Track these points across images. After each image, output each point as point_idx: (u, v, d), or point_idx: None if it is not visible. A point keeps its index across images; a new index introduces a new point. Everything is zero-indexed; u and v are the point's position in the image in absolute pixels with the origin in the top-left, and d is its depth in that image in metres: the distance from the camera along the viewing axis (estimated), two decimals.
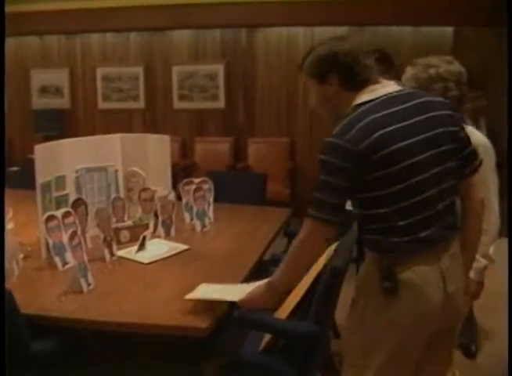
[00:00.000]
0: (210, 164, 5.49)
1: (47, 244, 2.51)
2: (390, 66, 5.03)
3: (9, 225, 2.33)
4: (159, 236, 2.84)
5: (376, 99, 1.63)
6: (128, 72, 6.06)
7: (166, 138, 3.03)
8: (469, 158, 1.74)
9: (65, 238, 2.40)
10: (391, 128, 1.56)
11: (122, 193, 3.00)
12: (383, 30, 5.65)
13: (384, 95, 1.64)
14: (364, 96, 1.65)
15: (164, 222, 2.87)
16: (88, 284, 2.14)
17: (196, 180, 3.16)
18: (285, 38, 5.83)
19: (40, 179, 2.48)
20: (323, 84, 1.70)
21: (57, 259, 2.37)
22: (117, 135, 2.96)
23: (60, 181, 2.66)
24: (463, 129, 1.73)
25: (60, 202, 2.65)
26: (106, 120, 6.22)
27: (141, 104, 6.14)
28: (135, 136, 3.09)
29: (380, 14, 5.52)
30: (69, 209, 2.49)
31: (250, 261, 2.53)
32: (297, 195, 5.70)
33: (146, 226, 2.81)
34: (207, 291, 2.12)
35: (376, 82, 1.68)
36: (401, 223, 1.60)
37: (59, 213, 2.42)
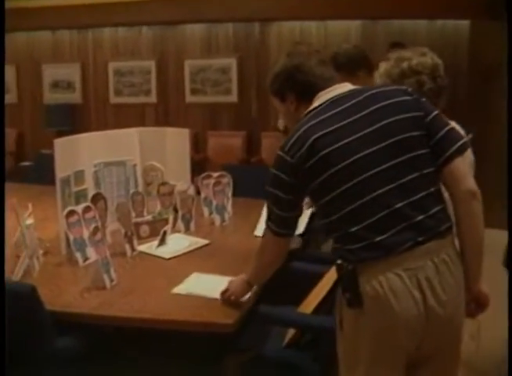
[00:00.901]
0: (223, 159, 5.46)
1: (67, 240, 2.48)
2: None
3: (29, 221, 2.30)
4: (178, 231, 2.81)
5: (322, 104, 1.59)
6: (140, 66, 6.04)
7: (185, 131, 3.00)
8: (440, 145, 1.53)
9: (85, 233, 2.39)
10: (322, 132, 1.52)
11: (141, 188, 2.97)
12: (397, 24, 5.59)
13: (330, 98, 1.59)
14: (312, 104, 1.62)
15: (183, 217, 2.84)
16: (111, 280, 2.11)
17: (215, 174, 3.12)
18: (298, 32, 5.78)
19: (59, 174, 2.45)
20: (284, 103, 1.70)
21: (78, 255, 2.34)
22: (135, 129, 2.93)
23: (79, 175, 2.63)
24: (431, 115, 1.55)
25: (79, 197, 2.62)
26: (118, 114, 6.20)
27: (153, 98, 6.11)
28: (153, 130, 3.06)
29: (394, 7, 5.44)
30: (89, 204, 2.46)
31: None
32: None
33: (166, 221, 2.77)
34: (196, 284, 2.11)
35: (328, 87, 1.62)
36: (353, 229, 1.48)
37: (79, 208, 2.39)
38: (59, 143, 2.42)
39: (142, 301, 1.95)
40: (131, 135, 2.92)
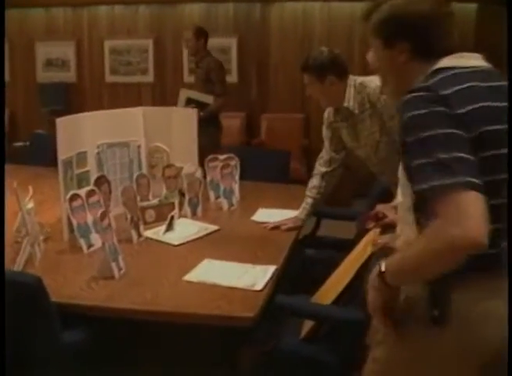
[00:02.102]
0: (223, 140, 5.30)
1: (69, 225, 2.35)
2: None
3: (30, 205, 2.16)
4: (185, 216, 2.68)
5: (466, 68, 1.29)
6: (137, 45, 5.84)
7: (193, 111, 2.85)
8: None
9: (89, 218, 2.26)
10: (494, 104, 1.23)
11: (145, 170, 2.83)
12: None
13: (474, 66, 1.31)
14: (448, 62, 1.30)
15: (190, 201, 2.71)
16: (119, 269, 1.98)
17: (222, 156, 2.99)
18: (301, 13, 5.60)
19: (61, 155, 2.30)
20: (390, 50, 1.35)
21: (82, 241, 2.21)
22: (140, 109, 2.78)
23: (81, 157, 2.48)
24: None
25: (81, 180, 2.48)
26: (114, 94, 6.01)
27: (150, 78, 5.92)
28: (158, 109, 2.91)
29: None
30: (93, 187, 2.33)
31: (287, 242, 2.39)
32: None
33: (172, 205, 2.64)
34: (209, 270, 2.01)
35: (456, 51, 1.33)
36: None
37: (82, 192, 2.26)
38: (62, 123, 2.27)
39: (155, 292, 1.83)
40: (135, 115, 2.77)
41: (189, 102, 4.38)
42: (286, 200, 3.06)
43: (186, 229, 2.50)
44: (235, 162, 2.96)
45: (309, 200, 2.62)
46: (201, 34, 4.59)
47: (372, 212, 2.18)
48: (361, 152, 2.51)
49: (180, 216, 2.65)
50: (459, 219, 1.10)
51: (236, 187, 2.93)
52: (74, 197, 2.21)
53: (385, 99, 2.26)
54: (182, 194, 2.75)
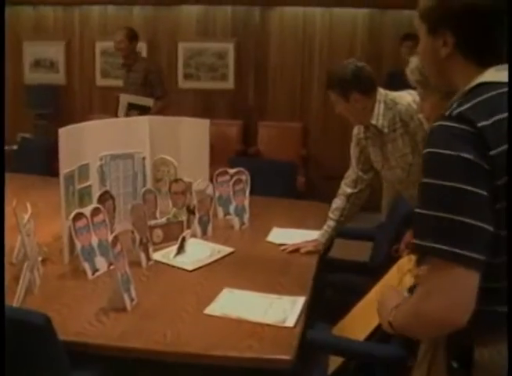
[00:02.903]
0: (218, 149, 5.08)
1: (70, 246, 2.13)
2: None
3: (28, 225, 1.93)
4: (194, 236, 2.46)
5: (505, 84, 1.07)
6: None
7: (205, 122, 2.64)
8: None
9: (94, 240, 2.04)
10: None
11: (149, 184, 2.62)
12: (407, 14, 5.28)
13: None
14: (493, 75, 1.09)
15: (200, 220, 2.49)
16: (132, 300, 1.76)
17: (231, 171, 2.79)
18: (301, 18, 5.43)
19: (63, 169, 2.08)
20: (433, 39, 1.14)
21: (86, 266, 1.99)
22: (145, 118, 2.57)
23: (84, 170, 2.26)
24: None
25: (83, 195, 2.26)
26: (105, 98, 5.74)
27: None
28: (166, 119, 2.69)
29: None
30: (98, 205, 2.11)
31: (310, 268, 2.19)
32: (311, 185, 5.35)
33: (181, 224, 2.43)
34: (231, 302, 1.81)
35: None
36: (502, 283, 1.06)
37: (87, 210, 2.04)
38: (64, 133, 2.04)
39: (175, 329, 1.61)
40: (140, 124, 2.55)
41: (131, 107, 4.28)
42: (299, 218, 2.87)
43: (198, 251, 2.29)
44: (245, 177, 2.76)
45: (331, 223, 2.43)
46: (133, 36, 4.49)
47: (406, 239, 2.01)
48: (389, 174, 2.31)
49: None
50: (451, 298, 1.02)
51: (247, 204, 2.73)
52: (78, 216, 1.99)
53: (420, 118, 2.08)
54: (189, 211, 2.54)
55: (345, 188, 2.43)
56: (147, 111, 4.19)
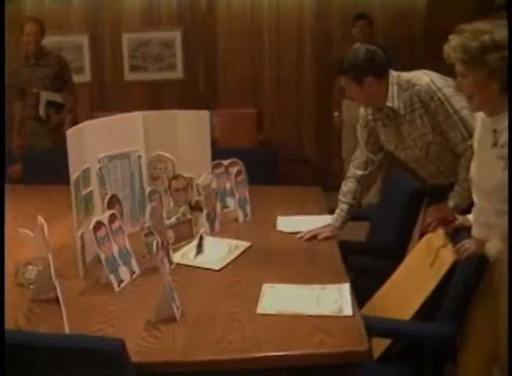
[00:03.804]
0: None
1: (83, 258, 1.98)
2: (374, 29, 4.77)
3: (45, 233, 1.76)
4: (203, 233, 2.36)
5: None
6: (71, 41, 5.30)
7: (204, 114, 2.52)
8: None
9: (115, 249, 1.90)
10: None
11: (146, 184, 2.48)
12: None
13: None
14: None
15: (208, 216, 2.39)
16: (177, 308, 1.65)
17: (225, 162, 2.70)
18: (249, 4, 5.35)
19: (73, 175, 1.91)
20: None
21: (112, 278, 1.84)
22: (139, 114, 2.41)
23: (86, 175, 2.09)
24: None
25: (87, 202, 2.10)
26: None
27: (86, 77, 5.42)
28: (160, 113, 2.54)
29: None
30: (113, 211, 1.96)
31: (335, 253, 2.15)
32: None
33: (190, 222, 2.32)
34: (278, 298, 1.75)
35: None
36: None
37: (105, 218, 1.89)
38: (72, 135, 1.87)
39: (237, 334, 1.52)
40: (133, 121, 2.40)
41: (49, 105, 4.19)
42: (298, 205, 2.83)
43: (216, 248, 2.19)
44: (241, 167, 2.68)
45: (344, 207, 2.39)
46: (43, 28, 4.29)
47: (432, 214, 2.02)
48: (403, 153, 2.30)
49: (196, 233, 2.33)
50: None
51: (248, 195, 2.65)
52: (98, 225, 1.84)
53: (440, 97, 2.07)
54: (192, 208, 2.43)
55: (355, 170, 2.41)
56: (62, 108, 4.18)
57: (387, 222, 2.65)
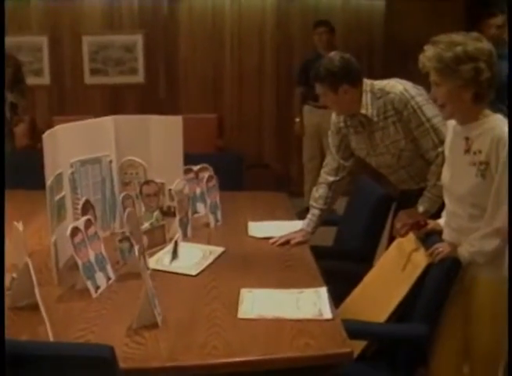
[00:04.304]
0: None
1: (56, 264, 1.95)
2: (335, 36, 4.85)
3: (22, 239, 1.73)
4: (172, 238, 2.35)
5: None
6: (30, 42, 5.16)
7: (177, 119, 2.52)
8: None
9: (92, 255, 1.88)
10: None
11: (117, 189, 2.45)
12: (313, 2, 5.42)
13: None
14: None
15: (181, 221, 2.38)
16: (158, 314, 1.65)
17: (195, 168, 2.70)
18: (210, 8, 5.35)
19: (48, 180, 1.88)
20: None
21: (89, 284, 1.82)
22: (110, 118, 2.39)
23: (59, 180, 2.06)
24: None
25: (60, 207, 2.06)
26: None
27: (46, 80, 5.29)
28: (132, 118, 2.52)
29: None
30: (89, 217, 1.94)
31: (309, 258, 2.19)
32: None
33: (163, 228, 2.31)
34: (258, 302, 1.77)
35: None
36: None
37: (81, 224, 1.86)
38: (48, 138, 1.84)
39: (221, 339, 1.54)
40: (105, 125, 2.37)
41: (11, 106, 4.14)
42: (267, 210, 2.85)
43: (190, 254, 2.19)
44: (211, 172, 2.69)
45: (316, 212, 2.44)
46: None
47: (412, 220, 2.08)
48: (375, 159, 2.36)
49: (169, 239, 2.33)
50: None
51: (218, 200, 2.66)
52: (75, 231, 1.81)
53: (413, 105, 2.15)
54: (164, 213, 2.43)
55: (326, 176, 2.45)
56: (17, 109, 4.12)
57: (355, 227, 2.71)
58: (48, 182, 1.89)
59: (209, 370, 1.43)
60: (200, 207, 2.69)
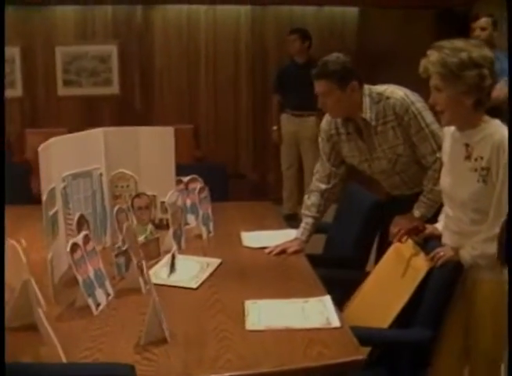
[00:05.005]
0: None
1: (52, 282, 1.89)
2: (310, 44, 4.89)
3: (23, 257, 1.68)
4: (169, 251, 2.32)
5: None
6: None
7: (169, 130, 2.48)
8: None
9: (91, 271, 1.83)
10: None
11: (107, 203, 2.41)
12: (286, 10, 5.46)
13: None
14: None
15: (175, 234, 2.35)
16: (166, 329, 1.61)
17: (185, 179, 2.68)
18: (185, 17, 5.33)
19: (44, 194, 1.83)
20: None
21: (90, 301, 1.77)
22: (100, 130, 2.35)
23: (52, 195, 2.00)
24: None
25: (53, 223, 2.01)
26: None
27: (18, 91, 5.18)
28: (122, 130, 2.48)
29: None
30: (87, 232, 1.89)
31: (306, 266, 2.19)
32: None
33: (157, 241, 2.28)
34: (264, 313, 1.76)
35: None
36: None
37: (80, 239, 1.82)
38: (43, 152, 1.79)
39: (233, 351, 1.51)
40: (94, 137, 2.33)
41: None
42: (257, 220, 2.85)
43: (187, 266, 2.16)
44: (202, 184, 2.67)
45: (309, 220, 2.43)
46: None
47: (410, 225, 2.09)
48: (369, 165, 2.36)
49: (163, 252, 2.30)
50: None
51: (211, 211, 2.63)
52: (74, 247, 1.76)
53: (414, 111, 2.17)
54: (155, 226, 2.39)
55: (319, 184, 2.45)
56: None
57: (347, 234, 2.71)
58: (44, 197, 1.84)
59: None
60: (191, 218, 2.66)
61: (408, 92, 2.22)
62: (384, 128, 2.23)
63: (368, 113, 2.21)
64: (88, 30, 5.18)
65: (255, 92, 5.60)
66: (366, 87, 2.24)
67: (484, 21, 3.79)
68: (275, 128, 5.12)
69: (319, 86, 2.19)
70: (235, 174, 5.71)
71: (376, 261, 2.51)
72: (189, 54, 5.43)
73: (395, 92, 2.20)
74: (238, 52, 5.50)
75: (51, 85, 5.21)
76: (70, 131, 5.10)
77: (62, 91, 5.26)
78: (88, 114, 5.36)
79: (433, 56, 1.74)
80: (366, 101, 2.21)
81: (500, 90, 2.27)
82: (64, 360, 1.40)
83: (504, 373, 1.92)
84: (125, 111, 5.40)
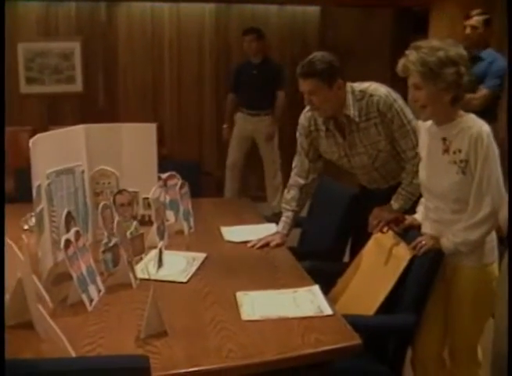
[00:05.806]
0: None
1: (41, 281, 1.89)
2: (265, 44, 4.94)
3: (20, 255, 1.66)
4: (154, 247, 2.33)
5: None
6: None
7: (151, 127, 2.50)
8: None
9: (83, 267, 1.84)
10: None
11: (89, 200, 2.40)
12: (249, 9, 5.51)
13: None
14: None
15: (158, 229, 2.37)
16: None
17: (164, 175, 2.69)
18: (149, 14, 5.30)
19: (34, 192, 1.82)
20: None
21: (84, 297, 1.78)
22: (81, 127, 2.34)
23: (38, 192, 1.99)
24: None
25: (40, 220, 2.00)
26: None
27: None
28: (103, 127, 2.47)
29: None
30: (77, 229, 1.89)
31: (291, 259, 2.26)
32: None
33: (142, 237, 2.29)
34: (258, 304, 1.82)
35: None
36: None
37: (72, 235, 1.82)
38: (34, 147, 1.78)
39: (233, 342, 1.56)
40: (76, 134, 2.32)
41: None
42: (235, 215, 2.90)
43: (174, 261, 2.19)
44: (181, 180, 2.69)
45: (289, 214, 2.49)
46: None
47: (389, 217, 2.18)
48: (348, 161, 2.42)
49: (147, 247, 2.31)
50: None
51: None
52: (67, 243, 1.76)
53: (396, 108, 2.24)
54: (139, 222, 2.40)
55: (297, 179, 2.51)
56: None
57: (323, 227, 2.78)
58: (34, 194, 1.83)
59: (231, 373, 1.45)
60: (170, 214, 2.68)
61: (389, 89, 2.30)
62: (367, 125, 2.29)
63: (351, 110, 2.26)
64: (51, 26, 5.08)
65: (219, 90, 5.61)
66: (349, 85, 2.29)
67: (475, 20, 3.61)
68: (225, 126, 5.12)
69: (306, 85, 2.22)
70: (200, 171, 5.72)
71: (352, 252, 2.61)
72: (153, 51, 5.40)
73: (378, 89, 2.27)
74: (202, 49, 5.51)
75: (13, 83, 5.07)
76: (34, 130, 5.06)
77: (24, 88, 5.15)
78: (52, 112, 5.27)
79: (412, 55, 1.83)
80: (349, 98, 2.26)
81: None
82: (73, 354, 1.41)
83: (481, 355, 2.04)
84: (89, 109, 5.33)
